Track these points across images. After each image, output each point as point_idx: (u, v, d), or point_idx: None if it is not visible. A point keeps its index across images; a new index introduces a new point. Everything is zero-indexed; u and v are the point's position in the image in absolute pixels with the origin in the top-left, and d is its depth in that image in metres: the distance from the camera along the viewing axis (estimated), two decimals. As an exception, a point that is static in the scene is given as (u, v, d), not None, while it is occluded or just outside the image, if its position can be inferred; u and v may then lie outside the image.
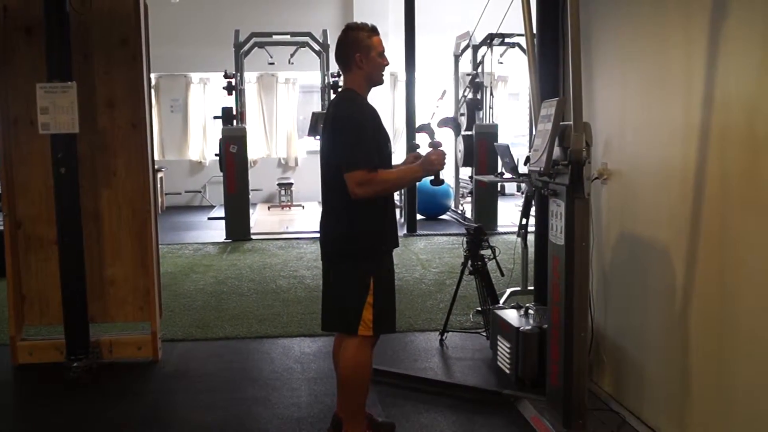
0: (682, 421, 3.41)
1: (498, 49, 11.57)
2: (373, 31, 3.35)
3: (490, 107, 11.16)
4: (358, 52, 3.29)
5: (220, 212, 12.00)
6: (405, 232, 10.28)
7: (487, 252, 5.28)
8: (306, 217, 12.08)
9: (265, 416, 4.04)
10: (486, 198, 10.53)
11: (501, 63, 12.07)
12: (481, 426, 3.89)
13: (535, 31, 4.36)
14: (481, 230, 5.26)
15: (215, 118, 10.32)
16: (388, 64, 3.37)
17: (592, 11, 4.24)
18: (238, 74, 10.40)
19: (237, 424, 3.96)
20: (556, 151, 3.54)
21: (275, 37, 11.05)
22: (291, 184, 13.46)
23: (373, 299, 3.31)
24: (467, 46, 11.49)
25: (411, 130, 10.24)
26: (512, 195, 13.93)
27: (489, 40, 10.79)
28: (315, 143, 11.52)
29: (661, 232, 3.60)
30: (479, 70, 10.95)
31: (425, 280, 7.26)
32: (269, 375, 4.69)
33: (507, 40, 11.15)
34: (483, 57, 10.93)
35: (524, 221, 5.78)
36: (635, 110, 3.88)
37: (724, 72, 3.07)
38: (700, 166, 3.24)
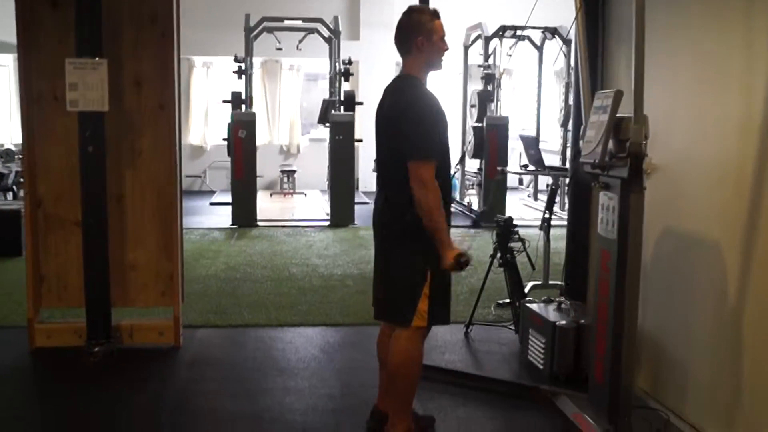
0: (731, 424, 3.34)
1: (507, 42, 11.46)
2: (435, 14, 3.26)
3: (498, 100, 11.07)
4: (420, 35, 3.20)
5: (221, 198, 11.87)
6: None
7: (516, 245, 5.20)
8: (309, 205, 11.96)
9: (300, 407, 3.94)
10: (494, 190, 10.43)
11: (510, 56, 11.96)
12: (521, 422, 3.82)
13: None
14: (510, 222, 5.17)
15: (224, 102, 10.18)
16: (448, 49, 3.28)
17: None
18: (248, 58, 10.25)
19: (271, 414, 3.86)
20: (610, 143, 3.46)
21: (286, 23, 10.89)
22: (294, 171, 13.35)
23: (430, 290, 3.22)
24: (477, 37, 11.37)
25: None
26: (516, 188, 13.82)
27: (501, 32, 10.69)
28: (323, 131, 11.43)
29: (712, 229, 3.52)
30: (490, 61, 10.84)
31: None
32: (296, 364, 4.59)
33: (518, 32, 11.05)
34: (494, 49, 10.82)
35: (547, 214, 5.71)
36: (687, 105, 3.79)
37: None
38: (760, 162, 3.16)
